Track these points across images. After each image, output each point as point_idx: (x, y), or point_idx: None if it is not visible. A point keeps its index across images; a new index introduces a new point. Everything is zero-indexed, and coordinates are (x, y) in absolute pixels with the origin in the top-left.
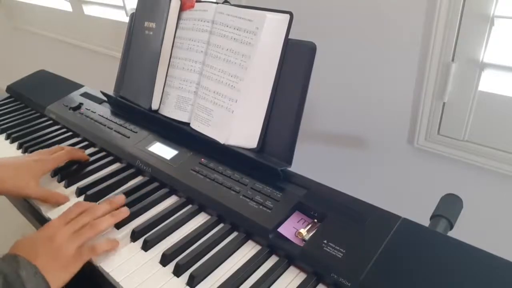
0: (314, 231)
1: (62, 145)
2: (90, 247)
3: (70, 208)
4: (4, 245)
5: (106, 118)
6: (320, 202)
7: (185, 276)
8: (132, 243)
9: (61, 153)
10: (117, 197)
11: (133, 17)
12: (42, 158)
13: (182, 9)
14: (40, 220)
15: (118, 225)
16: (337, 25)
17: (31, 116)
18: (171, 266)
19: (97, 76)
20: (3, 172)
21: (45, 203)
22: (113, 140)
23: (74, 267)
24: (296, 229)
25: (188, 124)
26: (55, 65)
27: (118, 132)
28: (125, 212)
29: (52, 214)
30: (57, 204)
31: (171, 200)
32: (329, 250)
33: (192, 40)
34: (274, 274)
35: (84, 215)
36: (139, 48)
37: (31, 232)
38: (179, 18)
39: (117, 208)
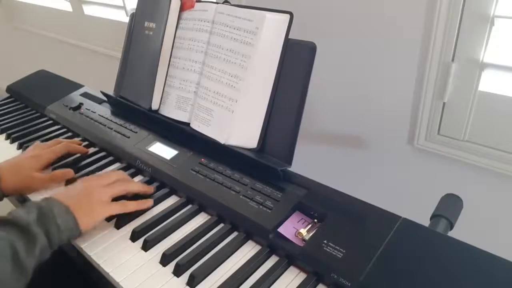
0: (314, 231)
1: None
2: (120, 203)
3: (104, 173)
4: None
5: (106, 118)
6: (320, 202)
7: (185, 276)
8: (132, 243)
9: (58, 146)
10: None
11: (133, 17)
12: (37, 153)
13: (182, 9)
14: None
15: (118, 225)
16: (337, 25)
17: (31, 116)
18: (171, 266)
19: (97, 76)
20: (7, 176)
21: (55, 184)
22: (113, 140)
23: (101, 213)
24: (296, 229)
25: (188, 124)
26: (55, 65)
27: (118, 132)
28: (151, 190)
29: None
30: (67, 178)
31: (171, 200)
32: (329, 250)
33: (192, 40)
34: (274, 274)
35: (116, 172)
36: (139, 48)
37: None
38: (179, 18)
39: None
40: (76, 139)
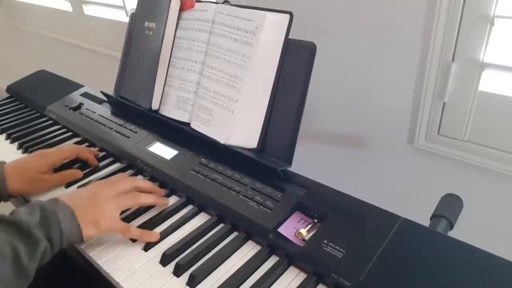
0: (314, 231)
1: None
2: (126, 225)
3: (114, 176)
4: None
5: (106, 118)
6: (320, 202)
7: (185, 276)
8: (132, 243)
9: (67, 148)
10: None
11: (133, 17)
12: (44, 152)
13: (182, 9)
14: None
15: None
16: (337, 25)
17: (31, 116)
18: (171, 266)
19: (97, 76)
20: (13, 177)
21: (64, 184)
22: (113, 140)
23: (106, 226)
24: (296, 229)
25: (188, 124)
26: (55, 65)
27: (118, 132)
28: (167, 202)
29: None
30: (75, 179)
31: (171, 200)
32: (329, 250)
33: (192, 40)
34: (274, 274)
35: (126, 182)
36: (139, 48)
37: None
38: (179, 18)
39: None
40: (93, 149)
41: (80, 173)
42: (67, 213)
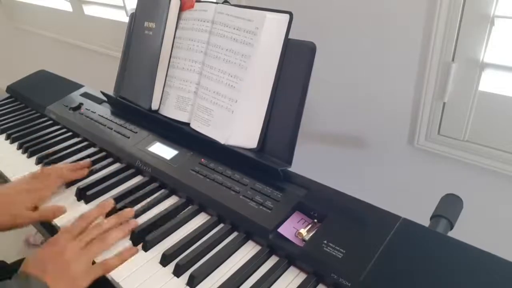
0: (314, 231)
1: (63, 145)
2: (101, 264)
3: (76, 222)
4: (5, 245)
5: (106, 118)
6: (320, 202)
7: (185, 276)
8: (132, 244)
9: (54, 182)
10: (126, 210)
11: (133, 17)
12: (33, 187)
13: (182, 9)
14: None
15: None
16: (337, 25)
17: (31, 116)
18: (171, 266)
19: (97, 76)
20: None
21: (45, 221)
22: (113, 140)
23: (83, 284)
24: (296, 229)
25: (188, 124)
26: (55, 65)
27: (118, 132)
28: (133, 223)
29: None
30: (57, 216)
31: (171, 200)
32: (329, 250)
33: (192, 40)
34: (274, 274)
35: (92, 229)
36: (139, 48)
37: (30, 233)
38: (179, 18)
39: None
40: (83, 162)
41: (62, 210)
42: None
